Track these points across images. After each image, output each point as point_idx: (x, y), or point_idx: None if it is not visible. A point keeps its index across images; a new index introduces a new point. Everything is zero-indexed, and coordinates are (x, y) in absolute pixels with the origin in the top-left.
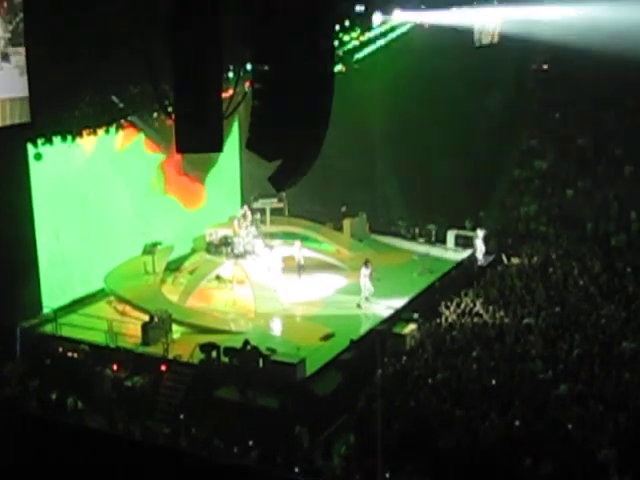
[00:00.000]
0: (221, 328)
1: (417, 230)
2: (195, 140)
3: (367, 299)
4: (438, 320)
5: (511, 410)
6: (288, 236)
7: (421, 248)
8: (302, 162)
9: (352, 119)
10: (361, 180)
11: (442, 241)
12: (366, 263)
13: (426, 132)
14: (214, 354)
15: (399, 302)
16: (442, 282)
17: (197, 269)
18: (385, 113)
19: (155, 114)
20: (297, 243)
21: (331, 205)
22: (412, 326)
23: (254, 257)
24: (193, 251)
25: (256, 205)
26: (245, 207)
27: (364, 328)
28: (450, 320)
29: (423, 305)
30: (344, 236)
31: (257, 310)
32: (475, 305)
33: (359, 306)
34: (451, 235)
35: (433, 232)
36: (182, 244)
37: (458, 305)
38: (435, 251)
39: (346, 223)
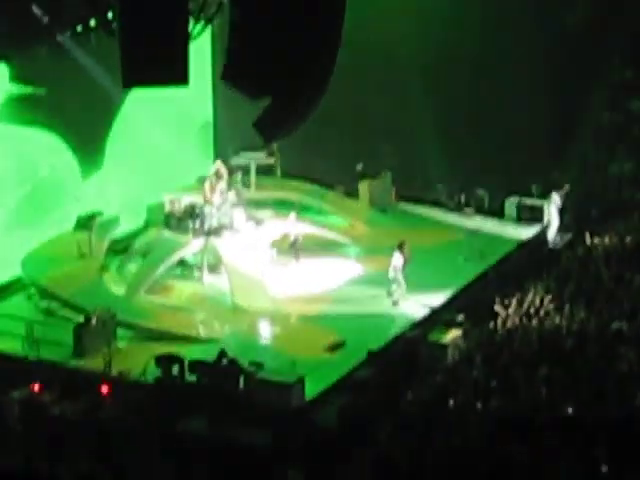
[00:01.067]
0: (186, 334)
1: (463, 197)
2: (149, 68)
3: (392, 294)
4: (492, 324)
5: (596, 450)
6: (281, 205)
7: (469, 222)
8: (299, 103)
9: (377, 45)
10: (386, 127)
11: (498, 212)
12: (401, 246)
13: (478, 64)
14: (176, 370)
15: (437, 299)
16: (498, 270)
17: (152, 251)
18: (425, 40)
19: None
20: (293, 215)
21: (343, 161)
22: (456, 332)
23: (233, 234)
24: (147, 225)
25: (236, 161)
26: (219, 164)
27: (388, 335)
28: (509, 324)
29: (471, 303)
30: (360, 205)
31: (237, 308)
32: (544, 303)
33: (395, 303)
34: (511, 204)
35: (485, 200)
36: (131, 216)
37: (520, 303)
38: (489, 227)
39: (363, 187)
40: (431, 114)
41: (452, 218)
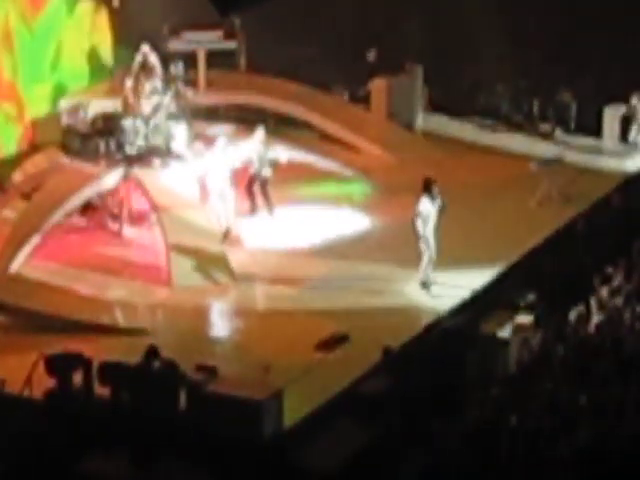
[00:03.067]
0: (96, 321)
1: (536, 105)
2: None
3: (422, 267)
4: (581, 309)
5: None
6: (246, 117)
7: (544, 146)
8: None
9: None
10: None
11: (590, 129)
12: (429, 185)
13: None
14: (78, 379)
15: (494, 269)
16: (593, 224)
17: (42, 187)
18: None
19: None
20: (260, 133)
21: (344, 47)
22: (524, 319)
23: (169, 162)
24: (33, 148)
25: (175, 46)
26: (147, 50)
27: (414, 325)
28: (608, 308)
29: (548, 275)
30: (373, 117)
31: (177, 281)
32: None
33: (425, 285)
34: (612, 116)
35: (572, 109)
36: (8, 131)
37: (628, 276)
38: (576, 153)
39: (378, 88)
40: None
41: (518, 139)
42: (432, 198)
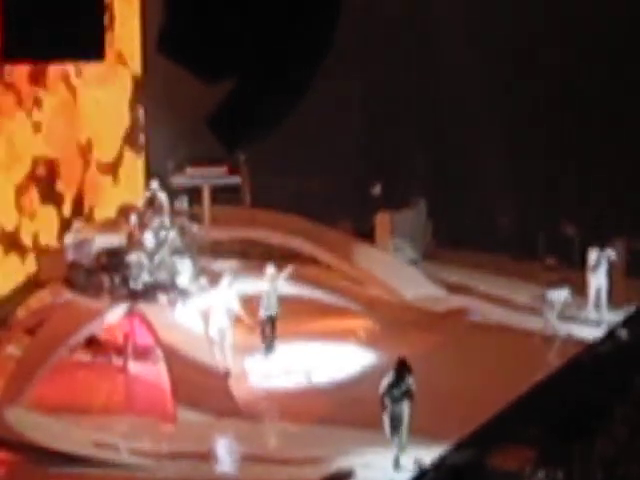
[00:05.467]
0: (99, 457)
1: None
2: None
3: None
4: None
5: None
6: (251, 251)
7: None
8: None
9: None
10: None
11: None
12: (402, 366)
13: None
14: None
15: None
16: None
17: (46, 323)
18: None
19: None
20: (270, 271)
21: (349, 181)
22: (528, 454)
23: (174, 298)
24: (36, 282)
25: (179, 181)
26: (155, 187)
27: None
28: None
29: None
30: (377, 252)
31: (180, 417)
32: None
33: (419, 465)
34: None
35: (575, 242)
36: (16, 268)
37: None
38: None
39: (382, 222)
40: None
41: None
42: (400, 380)
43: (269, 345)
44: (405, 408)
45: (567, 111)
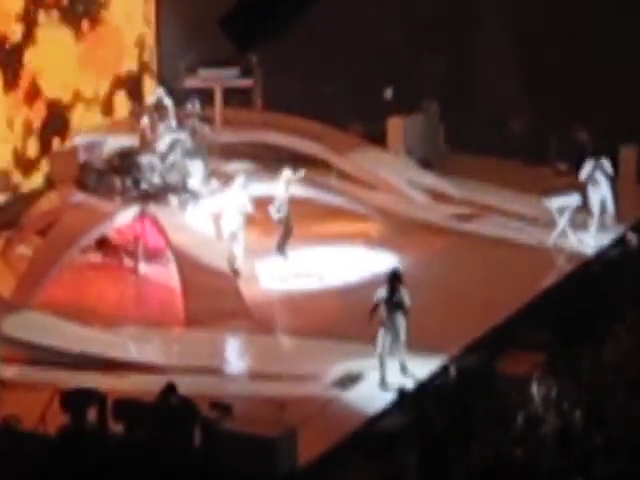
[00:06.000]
0: (109, 356)
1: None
2: None
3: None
4: (596, 347)
5: None
6: (262, 154)
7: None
8: None
9: None
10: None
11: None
12: (394, 278)
13: None
14: (93, 416)
15: (507, 305)
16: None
17: (57, 224)
18: None
19: None
20: (285, 173)
21: (361, 84)
22: (537, 359)
23: (185, 199)
24: (47, 184)
25: (191, 83)
26: (160, 91)
27: (431, 361)
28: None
29: (564, 312)
30: (390, 155)
31: (191, 318)
32: None
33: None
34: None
35: (588, 148)
36: (22, 168)
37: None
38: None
39: (395, 126)
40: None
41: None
42: (394, 291)
43: (281, 247)
44: (400, 320)
45: (582, 15)
